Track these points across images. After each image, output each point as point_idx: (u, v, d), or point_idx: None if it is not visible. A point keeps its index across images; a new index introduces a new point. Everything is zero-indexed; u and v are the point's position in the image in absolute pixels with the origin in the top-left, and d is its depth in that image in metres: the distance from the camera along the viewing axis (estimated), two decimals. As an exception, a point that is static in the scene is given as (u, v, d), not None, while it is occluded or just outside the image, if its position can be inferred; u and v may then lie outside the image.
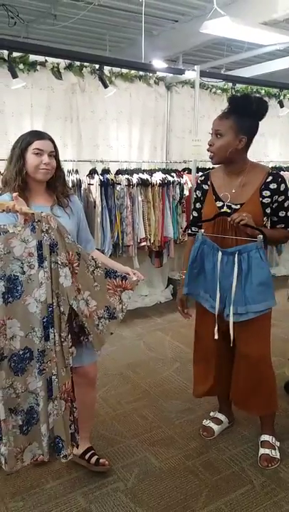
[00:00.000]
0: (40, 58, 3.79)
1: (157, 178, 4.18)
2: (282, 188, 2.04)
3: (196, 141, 4.25)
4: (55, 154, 1.96)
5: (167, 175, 4.29)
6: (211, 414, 2.53)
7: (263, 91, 5.45)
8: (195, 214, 2.28)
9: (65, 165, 3.90)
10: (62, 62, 3.90)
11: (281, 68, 5.85)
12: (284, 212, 2.08)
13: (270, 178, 2.05)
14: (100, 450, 2.28)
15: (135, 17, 5.76)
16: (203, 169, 4.65)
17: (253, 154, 5.32)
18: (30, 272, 1.69)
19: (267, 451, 2.25)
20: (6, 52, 3.53)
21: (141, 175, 4.13)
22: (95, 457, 2.15)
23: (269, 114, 5.77)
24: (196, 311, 2.32)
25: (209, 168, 4.68)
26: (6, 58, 3.53)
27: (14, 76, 3.50)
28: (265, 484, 2.09)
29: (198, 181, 2.25)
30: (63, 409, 1.77)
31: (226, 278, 2.05)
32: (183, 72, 4.52)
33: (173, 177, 4.32)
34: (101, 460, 2.15)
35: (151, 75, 4.49)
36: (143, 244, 4.10)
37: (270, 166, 5.10)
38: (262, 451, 2.26)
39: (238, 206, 2.04)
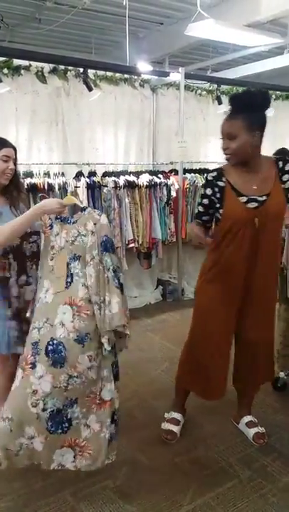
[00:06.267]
0: (25, 62, 3.80)
1: (144, 179, 4.22)
2: None
3: (182, 143, 4.29)
4: (15, 161, 2.18)
5: (154, 176, 4.33)
6: (166, 415, 2.51)
7: (248, 92, 5.51)
8: (201, 209, 2.21)
9: (51, 168, 3.95)
10: (47, 66, 3.92)
11: (267, 69, 5.93)
12: None
13: (281, 163, 2.07)
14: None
15: (120, 20, 5.78)
16: (190, 170, 4.70)
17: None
18: None
19: (256, 429, 2.35)
20: (-11, 58, 3.56)
21: (128, 177, 4.17)
22: None
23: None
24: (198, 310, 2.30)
25: (200, 169, 4.76)
26: (-10, 64, 3.56)
27: (-1, 81, 3.52)
28: (251, 478, 2.12)
29: (210, 177, 2.13)
30: None
31: None
32: (167, 75, 4.56)
33: (160, 178, 4.36)
34: None
35: (136, 77, 4.53)
36: (131, 245, 4.13)
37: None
38: (252, 431, 2.35)
39: (264, 197, 2.03)
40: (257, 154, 2.05)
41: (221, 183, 2.09)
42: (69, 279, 1.93)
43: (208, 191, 2.13)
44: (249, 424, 2.40)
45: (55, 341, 1.87)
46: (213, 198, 2.12)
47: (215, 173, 2.13)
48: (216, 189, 2.10)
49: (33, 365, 1.88)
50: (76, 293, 1.90)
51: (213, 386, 2.28)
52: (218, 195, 2.10)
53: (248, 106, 1.98)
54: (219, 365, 2.26)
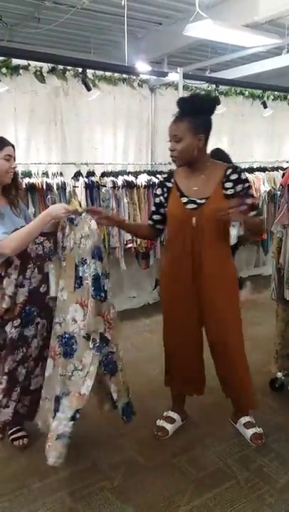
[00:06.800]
0: (23, 62, 3.80)
1: (142, 179, 4.21)
2: (243, 177, 2.11)
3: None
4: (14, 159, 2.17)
5: (152, 176, 4.33)
6: (164, 413, 2.55)
7: (247, 92, 5.51)
8: (153, 208, 2.34)
9: (49, 168, 3.94)
10: (45, 66, 3.92)
11: (265, 69, 5.94)
12: (251, 199, 2.09)
13: (230, 170, 2.11)
14: (86, 450, 2.30)
15: (119, 20, 5.78)
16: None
17: (239, 155, 5.45)
18: None
19: (254, 429, 2.36)
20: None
21: (126, 177, 4.16)
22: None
23: (253, 114, 5.82)
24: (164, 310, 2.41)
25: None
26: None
27: (-3, 80, 3.51)
28: (249, 479, 2.12)
29: (162, 179, 2.30)
30: None
31: None
32: (166, 75, 4.56)
33: (158, 179, 4.35)
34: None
35: (134, 77, 4.53)
36: (129, 245, 4.13)
37: (254, 167, 5.24)
38: (250, 431, 2.36)
39: (203, 201, 2.10)
40: (202, 157, 2.12)
41: (169, 184, 2.23)
42: (78, 281, 2.01)
43: (159, 191, 2.27)
44: (247, 425, 2.40)
45: (67, 335, 2.01)
46: (161, 197, 2.26)
47: (166, 175, 2.29)
48: (165, 189, 2.24)
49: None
50: (86, 295, 1.99)
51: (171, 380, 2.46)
52: (165, 195, 2.24)
53: (195, 109, 2.04)
54: (181, 364, 2.39)
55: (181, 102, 2.08)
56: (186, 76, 4.59)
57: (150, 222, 2.36)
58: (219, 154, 3.57)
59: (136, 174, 4.30)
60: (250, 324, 4.11)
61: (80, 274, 2.00)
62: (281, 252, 2.65)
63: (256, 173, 5.04)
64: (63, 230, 2.09)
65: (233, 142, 5.47)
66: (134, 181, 4.16)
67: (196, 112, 2.04)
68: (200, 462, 2.24)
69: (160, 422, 2.50)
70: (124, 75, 4.45)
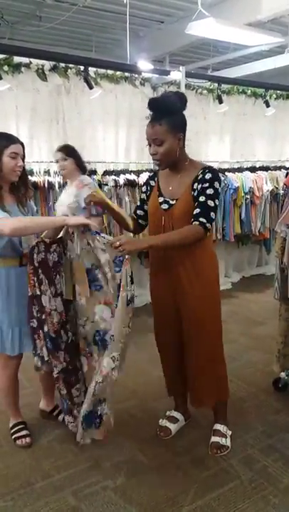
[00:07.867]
0: (25, 60, 3.79)
1: (144, 178, 4.19)
2: (207, 177, 2.03)
3: (183, 142, 4.27)
4: (23, 157, 2.16)
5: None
6: (167, 413, 2.54)
7: (249, 91, 5.49)
8: (138, 203, 2.37)
9: (51, 166, 3.93)
10: (47, 64, 3.91)
11: (268, 68, 5.92)
12: (204, 198, 2.02)
13: (201, 171, 2.06)
14: (88, 449, 2.29)
15: (121, 18, 5.77)
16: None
17: (242, 154, 5.42)
18: None
19: (217, 439, 2.33)
20: (-10, 55, 3.54)
21: (128, 175, 4.16)
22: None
23: (256, 113, 5.78)
24: (154, 317, 2.42)
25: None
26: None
27: (-1, 78, 3.50)
28: (253, 479, 2.11)
29: (147, 177, 2.34)
30: None
31: None
32: (168, 73, 4.55)
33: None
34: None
35: (136, 76, 4.51)
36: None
37: (257, 166, 5.23)
38: (213, 439, 2.34)
39: (174, 201, 2.11)
40: (182, 156, 2.10)
41: (152, 183, 2.27)
42: (95, 283, 2.06)
43: (144, 188, 2.34)
44: (215, 432, 2.38)
45: (101, 332, 2.09)
46: (145, 195, 2.32)
47: (152, 174, 2.33)
48: (148, 187, 2.29)
49: (91, 354, 2.16)
50: (108, 295, 2.05)
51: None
52: (148, 193, 2.29)
53: (169, 109, 2.01)
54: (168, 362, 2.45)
55: (155, 104, 2.02)
56: (188, 75, 4.59)
57: (134, 215, 2.37)
58: (70, 149, 3.45)
59: (138, 173, 4.29)
60: (252, 324, 4.12)
61: (94, 277, 2.04)
62: (285, 251, 2.63)
63: (258, 172, 5.02)
64: (69, 236, 2.07)
65: (235, 141, 5.46)
66: (136, 180, 4.15)
67: (171, 112, 2.00)
68: (203, 462, 2.23)
69: (163, 422, 2.49)
70: (126, 74, 4.44)
